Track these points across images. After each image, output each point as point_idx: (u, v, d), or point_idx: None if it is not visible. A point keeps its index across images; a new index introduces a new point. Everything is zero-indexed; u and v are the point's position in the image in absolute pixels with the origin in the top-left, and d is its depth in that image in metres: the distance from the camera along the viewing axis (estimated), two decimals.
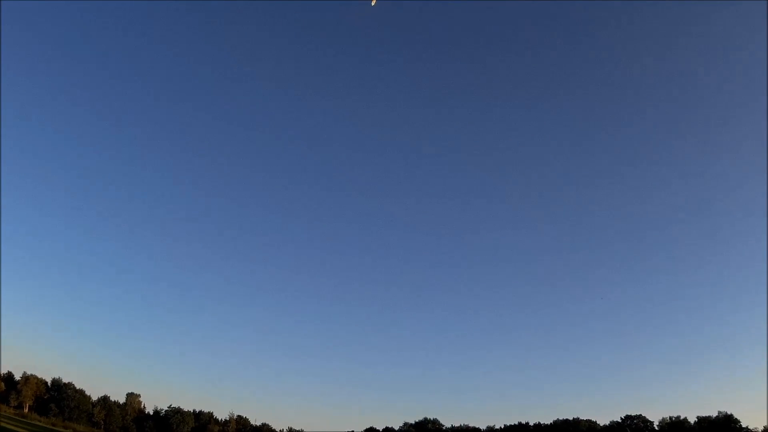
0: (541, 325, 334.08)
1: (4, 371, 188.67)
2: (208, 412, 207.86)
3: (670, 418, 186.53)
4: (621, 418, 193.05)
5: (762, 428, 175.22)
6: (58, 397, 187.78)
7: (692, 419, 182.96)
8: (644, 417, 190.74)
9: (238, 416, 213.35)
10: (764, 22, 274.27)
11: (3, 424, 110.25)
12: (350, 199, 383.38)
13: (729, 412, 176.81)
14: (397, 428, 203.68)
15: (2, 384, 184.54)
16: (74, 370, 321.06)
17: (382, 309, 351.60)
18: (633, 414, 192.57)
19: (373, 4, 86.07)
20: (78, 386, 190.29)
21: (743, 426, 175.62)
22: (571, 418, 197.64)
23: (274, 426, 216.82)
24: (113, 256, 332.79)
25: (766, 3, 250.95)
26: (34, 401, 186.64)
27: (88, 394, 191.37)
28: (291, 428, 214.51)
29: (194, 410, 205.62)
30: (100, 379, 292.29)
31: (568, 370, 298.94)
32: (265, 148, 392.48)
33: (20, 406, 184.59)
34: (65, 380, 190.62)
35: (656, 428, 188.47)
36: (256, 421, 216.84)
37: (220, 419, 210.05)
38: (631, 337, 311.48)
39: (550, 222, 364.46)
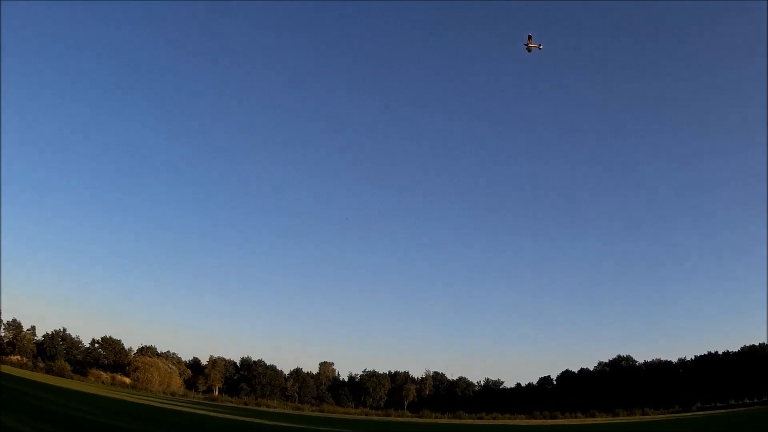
0: None
1: (189, 358, 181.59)
2: (404, 372, 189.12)
3: None
4: None
5: None
6: (249, 376, 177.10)
7: None
8: None
9: (434, 372, 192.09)
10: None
11: (191, 410, 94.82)
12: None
13: None
14: (592, 369, 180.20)
15: (189, 371, 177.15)
16: (265, 348, 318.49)
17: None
18: None
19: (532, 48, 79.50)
20: (269, 363, 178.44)
21: None
22: (757, 344, 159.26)
23: (470, 378, 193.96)
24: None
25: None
26: (223, 383, 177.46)
27: (280, 369, 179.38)
28: (488, 379, 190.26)
29: (389, 372, 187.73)
30: (291, 353, 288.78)
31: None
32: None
33: (209, 390, 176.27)
34: (254, 359, 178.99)
35: None
36: (452, 375, 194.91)
37: (416, 377, 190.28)
38: None
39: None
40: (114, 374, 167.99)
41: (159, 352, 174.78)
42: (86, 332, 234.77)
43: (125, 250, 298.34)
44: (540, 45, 78.71)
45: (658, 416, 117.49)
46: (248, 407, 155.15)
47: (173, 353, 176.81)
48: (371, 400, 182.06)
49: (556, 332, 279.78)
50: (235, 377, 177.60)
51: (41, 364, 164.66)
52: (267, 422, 59.67)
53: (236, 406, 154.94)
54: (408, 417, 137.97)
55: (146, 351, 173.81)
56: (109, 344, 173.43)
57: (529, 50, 78.55)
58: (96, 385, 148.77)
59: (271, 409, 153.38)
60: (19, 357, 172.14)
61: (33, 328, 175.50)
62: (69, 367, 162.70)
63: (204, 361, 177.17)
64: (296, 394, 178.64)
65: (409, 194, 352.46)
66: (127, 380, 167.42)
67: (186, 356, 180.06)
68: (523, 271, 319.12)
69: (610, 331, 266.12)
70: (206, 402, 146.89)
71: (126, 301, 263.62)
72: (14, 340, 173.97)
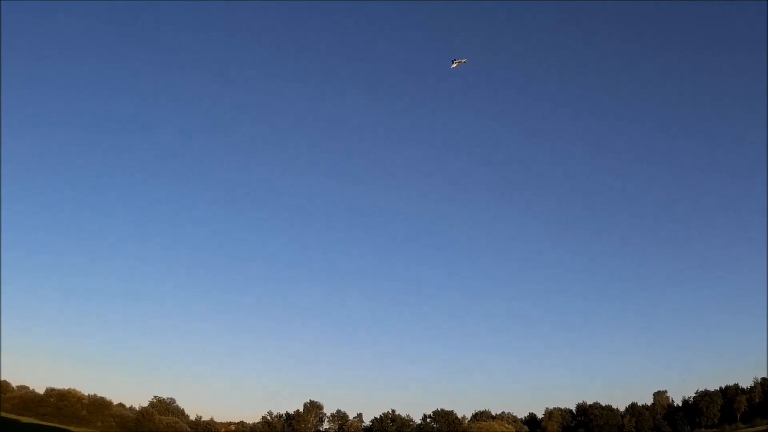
0: None
1: (524, 414, 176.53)
2: (734, 385, 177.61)
3: None
4: None
5: None
6: (585, 421, 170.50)
7: None
8: None
9: (762, 378, 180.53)
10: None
11: None
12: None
13: None
14: None
15: (526, 427, 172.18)
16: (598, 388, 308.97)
17: None
18: None
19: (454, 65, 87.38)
20: (603, 403, 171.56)
21: None
22: None
23: None
24: None
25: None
26: None
27: (615, 407, 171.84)
28: None
29: (720, 387, 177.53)
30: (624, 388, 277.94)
31: None
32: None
33: None
34: (589, 402, 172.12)
35: None
36: None
37: (745, 387, 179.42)
38: None
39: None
40: None
41: (494, 414, 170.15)
42: (416, 409, 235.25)
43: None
44: (464, 59, 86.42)
45: None
46: None
47: (508, 413, 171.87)
48: (705, 419, 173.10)
49: None
50: (572, 424, 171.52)
51: None
52: None
53: None
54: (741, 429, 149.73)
55: (480, 416, 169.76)
56: (442, 416, 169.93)
57: (455, 64, 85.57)
58: None
59: None
60: None
61: (359, 415, 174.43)
62: None
63: (540, 415, 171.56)
64: (634, 429, 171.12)
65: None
66: None
67: (521, 413, 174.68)
68: None
69: None
70: None
71: (456, 371, 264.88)
72: (341, 430, 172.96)
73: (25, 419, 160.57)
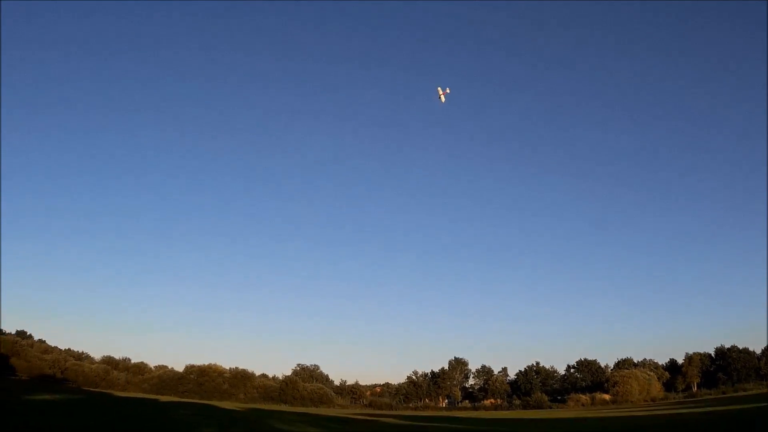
0: None
1: (665, 361, 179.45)
2: None
3: None
4: None
5: None
6: (724, 365, 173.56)
7: None
8: None
9: None
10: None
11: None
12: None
13: None
14: None
15: (666, 373, 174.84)
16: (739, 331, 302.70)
17: None
18: None
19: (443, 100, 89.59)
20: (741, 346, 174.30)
21: None
22: None
23: None
24: None
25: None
26: (701, 378, 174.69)
27: (752, 350, 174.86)
28: None
29: None
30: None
31: None
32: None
33: (688, 388, 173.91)
34: (727, 346, 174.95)
35: None
36: None
37: None
38: None
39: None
40: (593, 394, 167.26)
41: (635, 362, 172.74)
42: (560, 360, 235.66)
43: None
44: (447, 89, 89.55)
45: None
46: (726, 396, 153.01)
47: (649, 359, 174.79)
48: None
49: None
50: (711, 368, 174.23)
51: (517, 401, 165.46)
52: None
53: (715, 397, 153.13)
54: None
55: (622, 364, 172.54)
56: (585, 366, 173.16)
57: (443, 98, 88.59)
58: (575, 409, 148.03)
59: (747, 393, 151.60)
60: (492, 400, 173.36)
61: (504, 369, 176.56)
62: (546, 398, 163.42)
63: (680, 360, 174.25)
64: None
65: None
66: (607, 397, 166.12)
67: (662, 360, 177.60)
68: None
69: None
70: (686, 401, 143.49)
71: (597, 322, 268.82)
72: (486, 385, 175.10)
73: (164, 398, 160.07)
